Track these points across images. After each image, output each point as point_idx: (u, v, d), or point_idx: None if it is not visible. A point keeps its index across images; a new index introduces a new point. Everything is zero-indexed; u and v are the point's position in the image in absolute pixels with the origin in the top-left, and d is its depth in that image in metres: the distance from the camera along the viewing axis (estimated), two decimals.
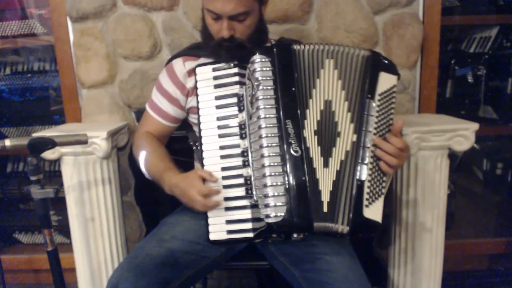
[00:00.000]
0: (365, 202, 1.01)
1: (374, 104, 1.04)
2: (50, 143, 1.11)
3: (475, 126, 1.43)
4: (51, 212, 2.06)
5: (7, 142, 1.06)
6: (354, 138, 1.03)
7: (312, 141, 1.01)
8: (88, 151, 1.48)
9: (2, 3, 1.95)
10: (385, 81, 1.06)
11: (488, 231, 2.19)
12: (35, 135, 1.22)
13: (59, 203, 1.85)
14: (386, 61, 1.09)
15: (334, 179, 1.02)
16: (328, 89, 1.05)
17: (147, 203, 1.86)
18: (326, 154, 1.02)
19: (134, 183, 1.83)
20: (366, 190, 1.01)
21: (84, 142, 1.20)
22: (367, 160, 1.02)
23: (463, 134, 1.44)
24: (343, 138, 1.03)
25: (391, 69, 1.08)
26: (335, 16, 1.66)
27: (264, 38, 1.24)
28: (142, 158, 1.24)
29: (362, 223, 1.00)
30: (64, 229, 2.03)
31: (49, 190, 1.08)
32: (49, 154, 1.47)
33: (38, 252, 2.04)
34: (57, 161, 1.62)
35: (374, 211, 1.02)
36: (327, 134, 1.03)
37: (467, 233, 2.12)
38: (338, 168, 1.02)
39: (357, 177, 1.01)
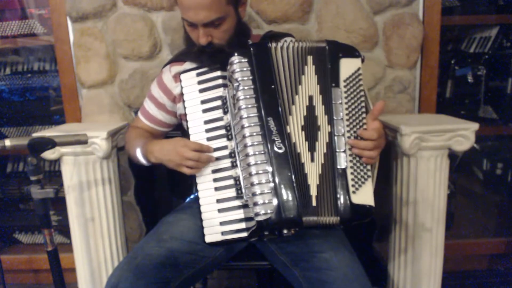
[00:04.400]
0: (352, 189, 1.02)
1: (340, 91, 1.05)
2: (50, 143, 1.11)
3: (475, 126, 1.43)
4: (51, 212, 2.06)
5: (7, 142, 1.06)
6: (329, 128, 1.04)
7: (299, 137, 1.03)
8: (88, 151, 1.48)
9: (2, 3, 1.95)
10: (348, 66, 1.07)
11: (488, 231, 2.19)
12: (35, 135, 1.22)
13: (59, 203, 1.85)
14: (344, 47, 1.10)
15: (320, 172, 1.03)
16: (310, 85, 1.06)
17: (147, 203, 1.86)
18: (312, 148, 1.04)
19: (134, 183, 1.83)
20: (350, 176, 1.02)
21: (84, 142, 1.20)
22: (343, 148, 1.03)
23: (463, 134, 1.44)
24: (323, 131, 1.05)
25: (352, 53, 1.09)
26: (335, 16, 1.66)
27: (245, 39, 1.23)
28: (130, 146, 1.29)
29: (353, 210, 1.01)
30: (64, 229, 2.03)
31: (49, 190, 1.08)
32: (49, 154, 1.47)
33: (38, 252, 2.04)
34: (57, 161, 1.62)
35: (363, 196, 1.02)
36: (312, 129, 1.05)
37: (467, 233, 2.12)
38: (322, 162, 1.03)
39: (338, 166, 1.02)
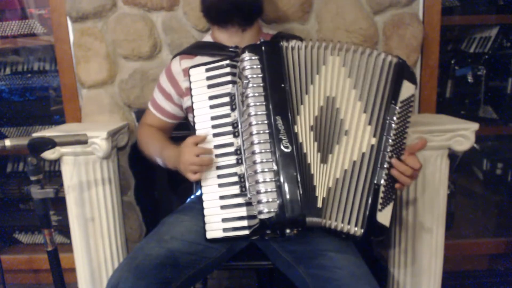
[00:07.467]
0: (379, 206, 1.02)
1: (396, 111, 1.04)
2: (50, 143, 1.11)
3: (475, 126, 1.44)
4: (51, 212, 2.06)
5: (7, 142, 1.06)
6: (373, 141, 1.03)
7: (306, 137, 1.02)
8: (88, 151, 1.48)
9: (2, 3, 1.95)
10: (407, 89, 1.07)
11: (488, 231, 2.18)
12: (35, 135, 1.22)
13: (59, 203, 1.85)
14: (410, 70, 1.10)
15: (338, 176, 1.02)
16: (331, 86, 1.05)
17: (147, 203, 1.86)
18: (325, 150, 1.03)
19: (134, 183, 1.83)
20: (380, 194, 1.02)
21: (84, 142, 1.20)
22: (386, 165, 1.02)
23: (463, 134, 1.44)
24: (356, 138, 1.04)
25: (413, 78, 1.09)
26: (335, 16, 1.66)
27: (257, 15, 1.26)
28: (145, 144, 1.34)
29: (375, 226, 1.02)
30: (64, 229, 2.03)
31: (49, 190, 1.08)
32: (49, 154, 1.47)
33: (38, 252, 2.04)
34: (57, 161, 1.63)
35: (385, 216, 1.03)
36: (327, 130, 1.04)
37: (467, 233, 2.12)
38: (346, 167, 1.03)
39: (375, 181, 1.02)
